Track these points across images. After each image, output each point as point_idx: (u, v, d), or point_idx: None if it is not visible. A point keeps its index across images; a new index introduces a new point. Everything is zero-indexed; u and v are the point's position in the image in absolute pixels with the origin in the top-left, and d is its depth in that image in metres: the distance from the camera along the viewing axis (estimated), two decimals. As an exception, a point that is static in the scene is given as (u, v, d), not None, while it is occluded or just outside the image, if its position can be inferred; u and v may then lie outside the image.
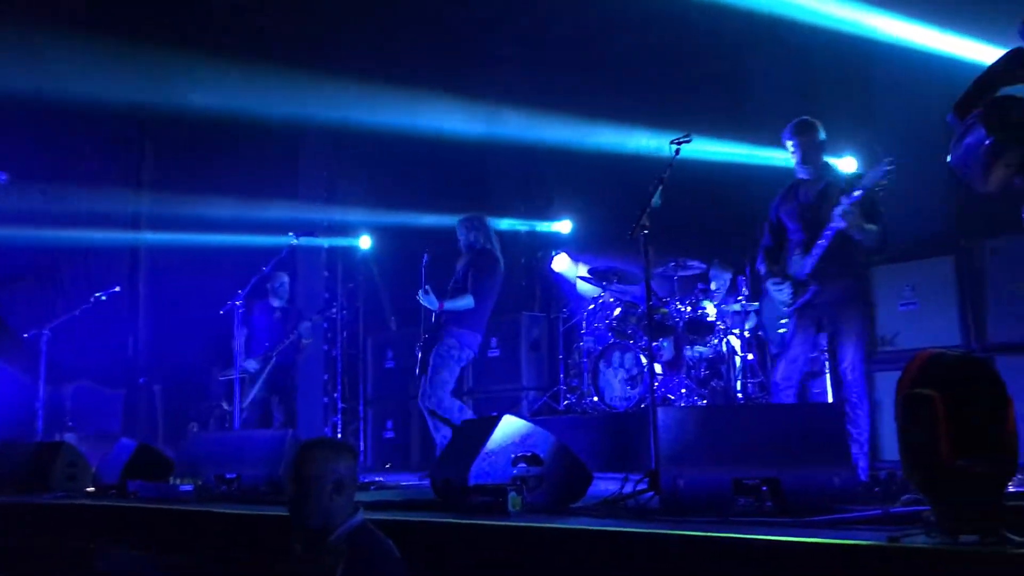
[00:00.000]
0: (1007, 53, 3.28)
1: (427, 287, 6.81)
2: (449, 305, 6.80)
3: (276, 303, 8.53)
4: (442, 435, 6.55)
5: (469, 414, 6.85)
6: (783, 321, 5.35)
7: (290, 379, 8.60)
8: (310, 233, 8.42)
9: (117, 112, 10.41)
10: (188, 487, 5.39)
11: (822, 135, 5.48)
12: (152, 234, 11.84)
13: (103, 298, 8.97)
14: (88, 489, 6.20)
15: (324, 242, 11.28)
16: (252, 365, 8.19)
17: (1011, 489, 3.01)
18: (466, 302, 6.76)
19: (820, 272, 5.20)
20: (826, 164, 5.55)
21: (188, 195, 10.84)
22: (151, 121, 11.28)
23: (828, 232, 5.12)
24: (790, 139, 5.45)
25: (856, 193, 5.00)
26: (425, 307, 6.88)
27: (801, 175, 5.49)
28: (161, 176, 11.72)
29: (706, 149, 8.55)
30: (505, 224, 10.69)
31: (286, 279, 8.63)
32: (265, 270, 7.99)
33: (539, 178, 11.04)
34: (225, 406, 8.59)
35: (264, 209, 10.69)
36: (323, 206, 11.36)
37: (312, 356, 11.12)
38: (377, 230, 11.42)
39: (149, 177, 11.75)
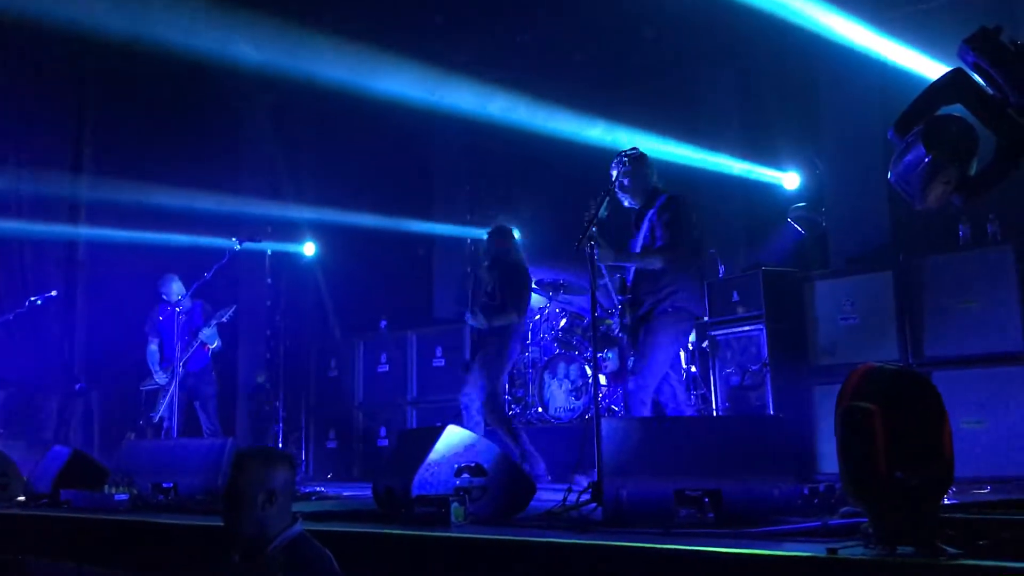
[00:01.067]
0: (947, 72, 3.34)
1: (475, 309, 7.21)
2: (497, 323, 7.06)
3: (179, 308, 8.21)
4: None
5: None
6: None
7: (208, 384, 8.41)
8: (253, 239, 8.26)
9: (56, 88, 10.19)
10: (123, 496, 5.27)
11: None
12: (90, 229, 11.55)
13: (38, 302, 8.76)
14: (19, 498, 6.03)
15: (268, 248, 11.14)
16: (161, 378, 8.11)
17: (947, 501, 3.05)
18: (511, 319, 7.07)
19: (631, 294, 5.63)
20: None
21: (129, 186, 10.60)
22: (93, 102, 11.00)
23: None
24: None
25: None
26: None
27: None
28: (102, 169, 11.44)
29: (656, 148, 8.64)
30: (449, 230, 10.68)
31: (178, 284, 8.39)
32: (207, 276, 7.84)
33: (488, 185, 11.05)
34: (152, 416, 8.39)
35: (206, 208, 10.54)
36: (266, 208, 11.22)
37: (253, 363, 10.98)
38: (322, 235, 11.32)
39: (89, 169, 11.46)
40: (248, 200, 11.07)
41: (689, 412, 5.81)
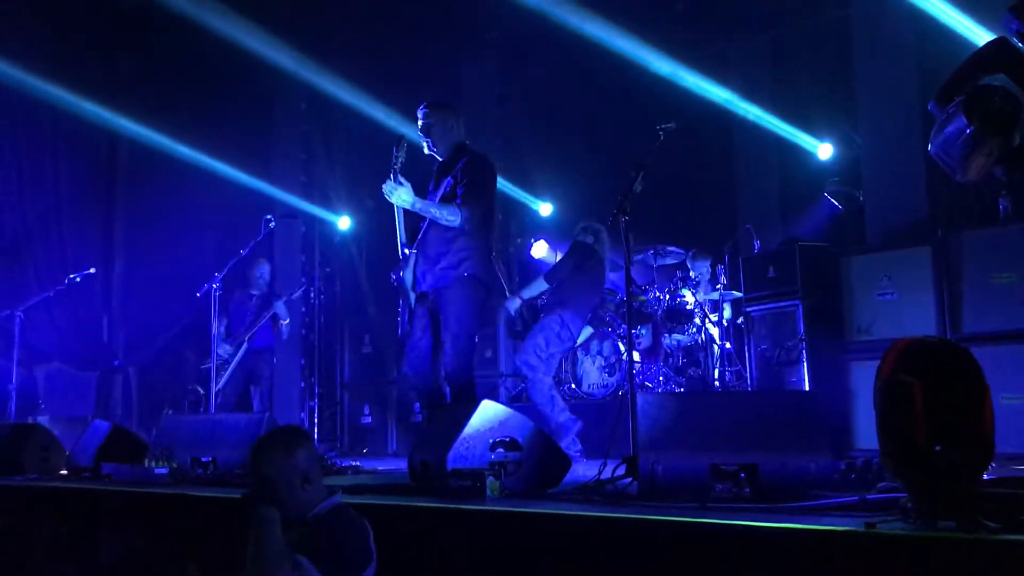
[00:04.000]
0: (991, 41, 3.29)
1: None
2: (528, 293, 7.15)
3: (255, 292, 8.41)
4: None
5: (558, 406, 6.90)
6: None
7: (267, 365, 8.48)
8: (288, 215, 8.32)
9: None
10: (163, 470, 5.34)
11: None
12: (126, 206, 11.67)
13: (77, 279, 8.87)
14: (61, 472, 6.13)
15: (302, 224, 11.22)
16: (226, 350, 8.10)
17: (987, 476, 3.02)
18: (540, 285, 7.10)
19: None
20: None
21: (163, 164, 10.72)
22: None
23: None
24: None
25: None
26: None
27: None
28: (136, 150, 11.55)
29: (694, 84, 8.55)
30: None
31: (266, 269, 8.50)
32: (243, 253, 7.90)
33: (519, 159, 11.01)
34: (200, 390, 8.51)
35: (240, 183, 10.64)
36: (301, 185, 11.29)
37: (289, 341, 11.07)
38: (357, 210, 11.35)
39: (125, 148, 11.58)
40: (282, 175, 11.15)
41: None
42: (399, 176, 5.18)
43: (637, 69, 9.11)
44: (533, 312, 7.18)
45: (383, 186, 5.20)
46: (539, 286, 7.11)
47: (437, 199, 5.37)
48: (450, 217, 5.24)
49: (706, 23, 9.35)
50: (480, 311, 5.41)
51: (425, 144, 5.48)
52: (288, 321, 8.38)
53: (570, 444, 6.46)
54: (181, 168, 10.65)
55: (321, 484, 3.20)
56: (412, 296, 5.39)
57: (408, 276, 5.38)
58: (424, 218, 5.35)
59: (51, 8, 9.97)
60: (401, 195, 5.16)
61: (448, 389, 5.36)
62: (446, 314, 5.28)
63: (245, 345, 8.12)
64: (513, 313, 7.16)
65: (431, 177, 5.57)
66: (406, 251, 5.39)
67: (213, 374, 7.79)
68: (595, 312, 8.14)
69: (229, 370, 8.06)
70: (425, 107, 5.49)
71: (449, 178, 5.38)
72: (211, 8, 8.99)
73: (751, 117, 9.18)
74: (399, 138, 5.28)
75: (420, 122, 5.47)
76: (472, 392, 5.30)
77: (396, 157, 5.22)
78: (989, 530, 2.49)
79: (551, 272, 7.10)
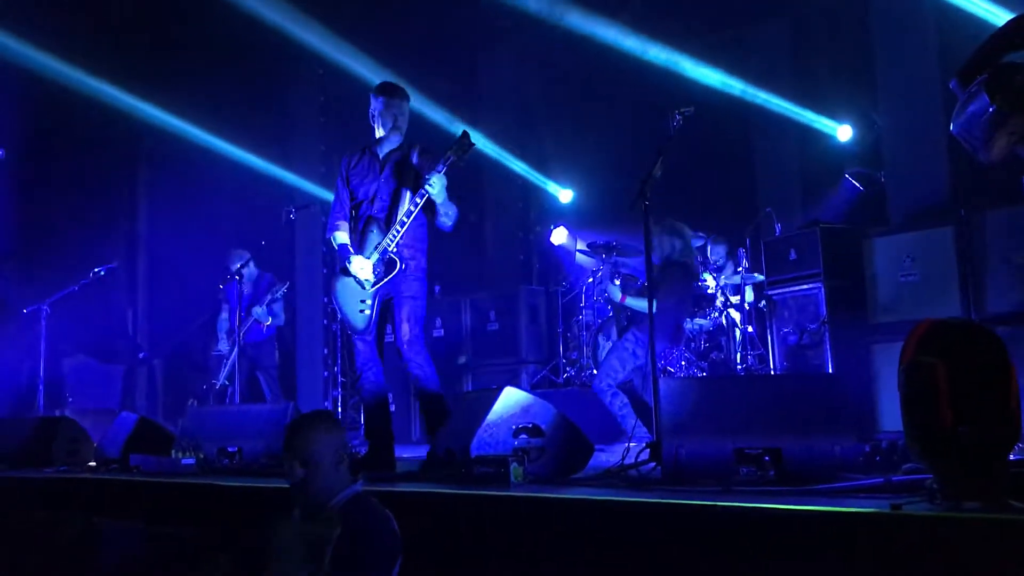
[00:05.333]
0: (1012, 19, 3.26)
1: (616, 279, 7.07)
2: (631, 303, 6.86)
3: (239, 284, 8.36)
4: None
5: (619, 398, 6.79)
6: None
7: (267, 355, 8.56)
8: (307, 205, 8.35)
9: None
10: (190, 460, 5.40)
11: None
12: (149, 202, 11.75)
13: (102, 273, 8.95)
14: (90, 464, 6.20)
15: (322, 214, 11.24)
16: (224, 346, 8.22)
17: (1013, 457, 3.01)
18: (643, 305, 6.65)
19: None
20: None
21: (186, 161, 10.78)
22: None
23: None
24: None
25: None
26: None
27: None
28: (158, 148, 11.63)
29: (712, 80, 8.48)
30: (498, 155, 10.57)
31: (240, 259, 8.45)
32: (263, 244, 7.96)
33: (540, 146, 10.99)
34: (216, 384, 8.59)
35: (261, 174, 10.68)
36: (320, 176, 11.32)
37: (312, 330, 11.13)
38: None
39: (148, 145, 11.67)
40: (302, 166, 11.20)
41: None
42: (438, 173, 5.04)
43: (656, 54, 9.08)
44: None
45: (429, 178, 5.02)
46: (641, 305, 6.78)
47: (404, 190, 5.20)
48: (451, 213, 5.21)
49: (724, 6, 9.30)
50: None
51: (382, 130, 5.31)
52: (270, 321, 8.39)
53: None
54: (203, 162, 10.73)
55: (347, 471, 3.24)
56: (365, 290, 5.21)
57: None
58: (401, 209, 5.17)
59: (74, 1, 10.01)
60: (439, 186, 5.05)
61: (416, 372, 5.29)
62: (401, 299, 5.20)
63: (241, 341, 8.17)
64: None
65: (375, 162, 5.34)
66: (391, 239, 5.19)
67: (223, 367, 7.92)
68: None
69: (227, 364, 8.13)
70: (392, 93, 5.33)
71: (412, 171, 5.22)
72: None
73: (770, 100, 9.12)
74: (464, 134, 5.08)
75: (389, 109, 5.29)
76: (434, 374, 5.31)
77: (459, 151, 5.07)
78: (1016, 510, 2.48)
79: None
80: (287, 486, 3.22)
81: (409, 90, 5.48)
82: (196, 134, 10.72)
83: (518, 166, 10.68)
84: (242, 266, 8.01)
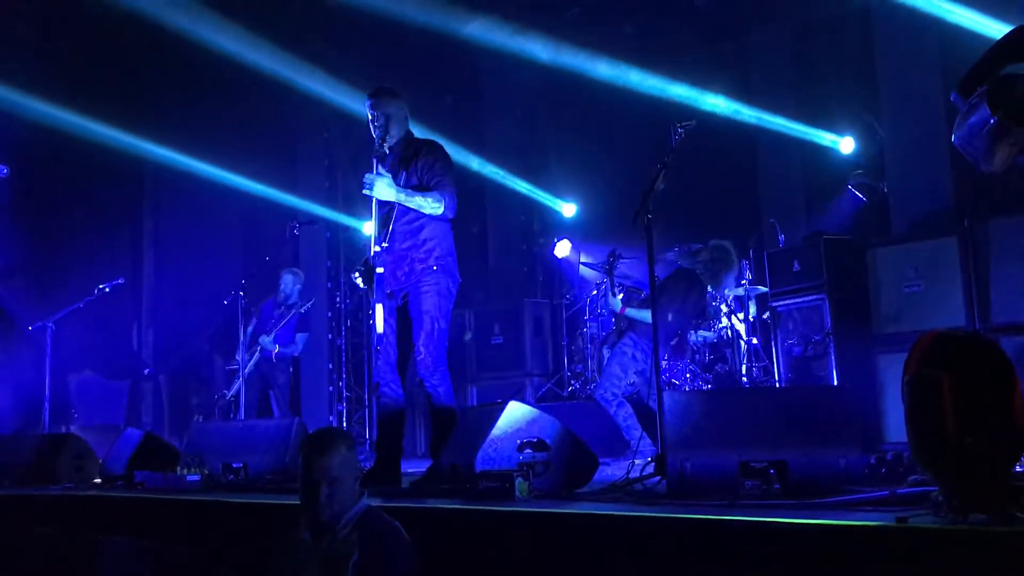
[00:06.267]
0: (1013, 30, 3.26)
1: (615, 290, 7.09)
2: (631, 313, 6.91)
3: (281, 302, 8.48)
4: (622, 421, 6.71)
5: (624, 409, 6.80)
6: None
7: (283, 373, 8.56)
8: (311, 221, 8.39)
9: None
10: (195, 477, 5.39)
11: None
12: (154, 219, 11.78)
13: (107, 289, 8.97)
14: (95, 480, 6.21)
15: (326, 230, 11.28)
16: (244, 357, 8.23)
17: (1019, 468, 3.00)
18: (644, 316, 6.78)
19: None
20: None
21: (190, 178, 10.83)
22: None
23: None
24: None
25: None
26: None
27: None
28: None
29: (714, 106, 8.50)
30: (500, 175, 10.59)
31: (289, 280, 8.52)
32: (267, 260, 7.99)
33: (542, 157, 11.00)
34: (228, 395, 8.61)
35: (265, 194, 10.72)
36: (324, 191, 11.36)
37: (316, 345, 11.15)
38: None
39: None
40: (305, 183, 11.23)
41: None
42: (379, 167, 4.99)
43: (659, 67, 9.12)
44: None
45: (364, 178, 4.96)
46: (643, 316, 6.82)
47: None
48: (435, 204, 5.00)
49: (726, 17, 9.33)
50: (451, 302, 5.17)
51: (377, 136, 5.15)
52: (278, 349, 8.38)
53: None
54: (207, 177, 10.76)
55: (356, 488, 3.24)
56: (376, 296, 5.07)
57: (372, 275, 5.08)
58: (392, 213, 5.08)
59: (71, 34, 10.07)
60: (382, 187, 4.95)
61: (429, 390, 5.10)
62: (418, 312, 5.05)
63: (258, 354, 8.20)
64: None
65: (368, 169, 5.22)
66: (379, 248, 5.06)
67: (242, 377, 7.89)
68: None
69: (240, 377, 8.14)
70: (377, 96, 5.21)
71: (406, 170, 5.12)
72: (229, 24, 9.08)
73: (773, 113, 9.14)
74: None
75: (372, 112, 5.16)
76: (448, 392, 5.13)
77: (379, 148, 5.02)
78: (1022, 522, 2.47)
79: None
80: (294, 503, 3.22)
81: (411, 104, 5.43)
82: (198, 153, 10.75)
83: (522, 186, 10.71)
84: (285, 274, 8.11)
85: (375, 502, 3.39)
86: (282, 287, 8.43)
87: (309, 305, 8.45)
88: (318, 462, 3.12)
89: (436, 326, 5.05)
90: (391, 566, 3.08)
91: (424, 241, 5.09)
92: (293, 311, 8.43)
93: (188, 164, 10.82)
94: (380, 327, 5.04)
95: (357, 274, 5.24)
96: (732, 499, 3.44)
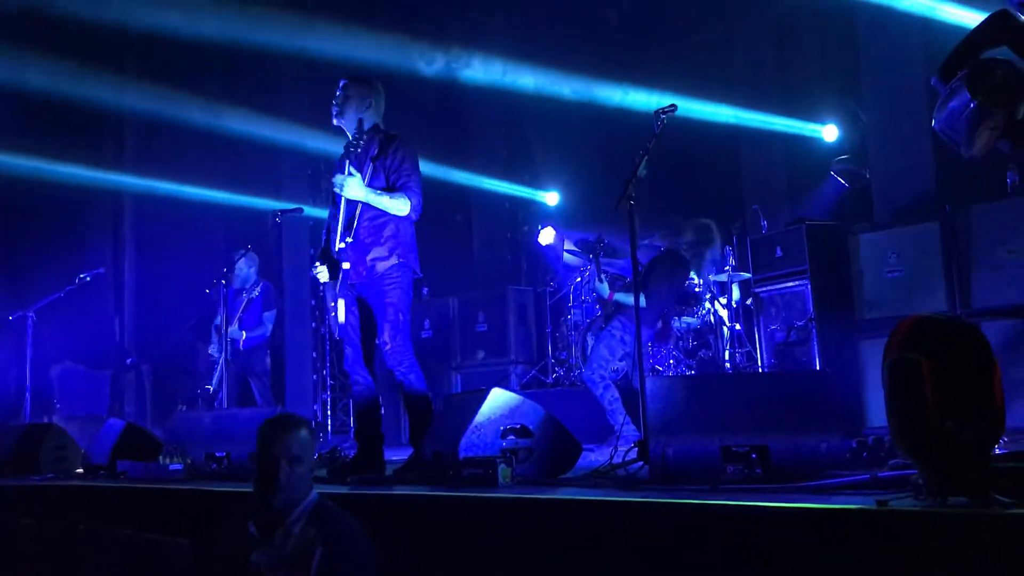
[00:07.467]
0: (992, 14, 3.27)
1: (602, 276, 7.06)
2: (620, 297, 6.90)
3: (238, 288, 8.31)
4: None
5: (610, 391, 6.81)
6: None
7: (259, 360, 8.47)
8: (293, 210, 8.31)
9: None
10: (178, 466, 5.38)
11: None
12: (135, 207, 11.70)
13: (87, 279, 8.90)
14: (77, 470, 6.18)
15: (308, 218, 11.22)
16: (215, 350, 8.14)
17: (998, 451, 3.02)
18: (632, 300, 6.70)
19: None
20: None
21: (171, 167, 10.74)
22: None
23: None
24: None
25: None
26: None
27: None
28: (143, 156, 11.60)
29: (693, 108, 8.51)
30: (488, 184, 10.60)
31: (241, 264, 8.37)
32: (249, 247, 7.93)
33: (523, 142, 10.98)
34: (211, 389, 8.55)
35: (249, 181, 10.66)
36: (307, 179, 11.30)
37: (300, 334, 11.12)
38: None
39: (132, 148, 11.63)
40: (289, 170, 11.17)
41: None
42: (350, 167, 4.97)
43: (640, 53, 9.10)
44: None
45: (334, 178, 4.98)
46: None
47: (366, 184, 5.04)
48: (401, 206, 4.99)
49: (709, 7, 9.32)
50: (411, 295, 5.16)
51: (334, 112, 5.16)
52: (245, 336, 8.28)
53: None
54: (189, 164, 10.68)
55: (309, 480, 3.14)
56: (340, 291, 5.03)
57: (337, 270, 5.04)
58: (357, 211, 5.03)
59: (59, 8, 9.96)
60: (353, 187, 4.93)
61: (400, 379, 5.15)
62: (381, 305, 5.04)
63: (229, 346, 8.10)
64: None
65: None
66: (343, 244, 5.02)
67: (217, 369, 7.87)
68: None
69: (218, 369, 8.08)
70: (345, 80, 5.19)
71: (372, 163, 5.08)
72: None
73: (756, 99, 9.14)
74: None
75: (338, 92, 5.15)
76: (420, 378, 5.17)
77: (356, 144, 4.99)
78: (1001, 505, 2.49)
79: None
80: (254, 494, 3.11)
81: (392, 91, 5.40)
82: (181, 136, 10.65)
83: (504, 186, 10.69)
84: (237, 259, 7.97)
85: (360, 490, 3.36)
86: (237, 272, 8.28)
87: (259, 289, 8.33)
88: (280, 437, 3.05)
89: (400, 317, 5.06)
90: (357, 567, 3.02)
91: (387, 239, 5.08)
92: (251, 295, 8.35)
93: (170, 151, 10.74)
94: (342, 318, 5.02)
95: (319, 269, 5.19)
96: (714, 484, 3.45)
